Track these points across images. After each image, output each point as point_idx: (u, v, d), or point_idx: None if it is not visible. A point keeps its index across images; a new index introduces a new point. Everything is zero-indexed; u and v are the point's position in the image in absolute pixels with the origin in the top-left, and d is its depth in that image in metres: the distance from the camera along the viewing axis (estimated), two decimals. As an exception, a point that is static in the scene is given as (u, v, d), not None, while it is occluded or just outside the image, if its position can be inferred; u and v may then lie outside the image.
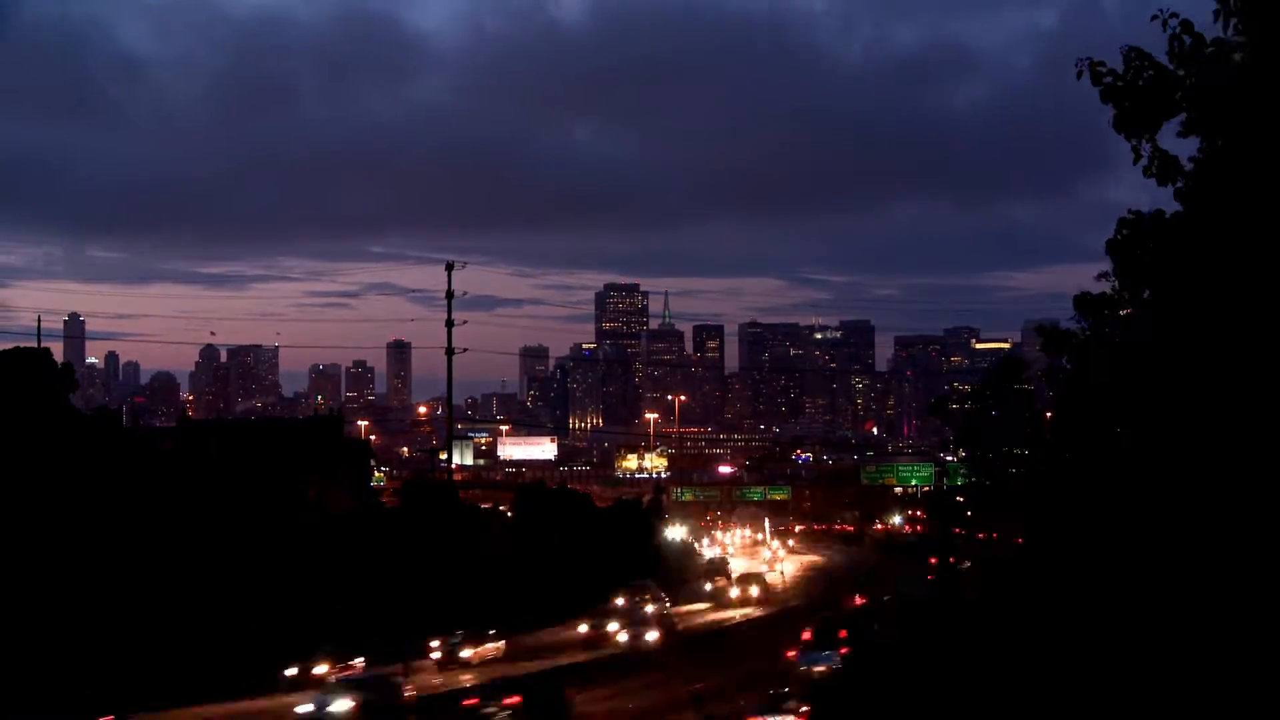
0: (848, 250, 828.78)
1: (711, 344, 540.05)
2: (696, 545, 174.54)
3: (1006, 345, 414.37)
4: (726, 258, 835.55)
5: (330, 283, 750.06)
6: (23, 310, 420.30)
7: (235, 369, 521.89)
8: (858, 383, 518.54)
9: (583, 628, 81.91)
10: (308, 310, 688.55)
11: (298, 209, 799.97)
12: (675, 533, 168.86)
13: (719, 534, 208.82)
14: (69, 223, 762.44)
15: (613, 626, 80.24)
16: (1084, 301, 15.98)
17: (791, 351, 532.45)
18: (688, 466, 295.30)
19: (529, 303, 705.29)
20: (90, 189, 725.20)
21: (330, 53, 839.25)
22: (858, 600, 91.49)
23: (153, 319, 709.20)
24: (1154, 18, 13.24)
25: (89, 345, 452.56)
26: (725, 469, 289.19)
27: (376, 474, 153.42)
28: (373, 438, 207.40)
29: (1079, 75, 13.46)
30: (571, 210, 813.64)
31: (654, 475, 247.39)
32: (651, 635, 77.83)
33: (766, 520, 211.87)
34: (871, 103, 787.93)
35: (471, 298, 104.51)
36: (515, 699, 51.70)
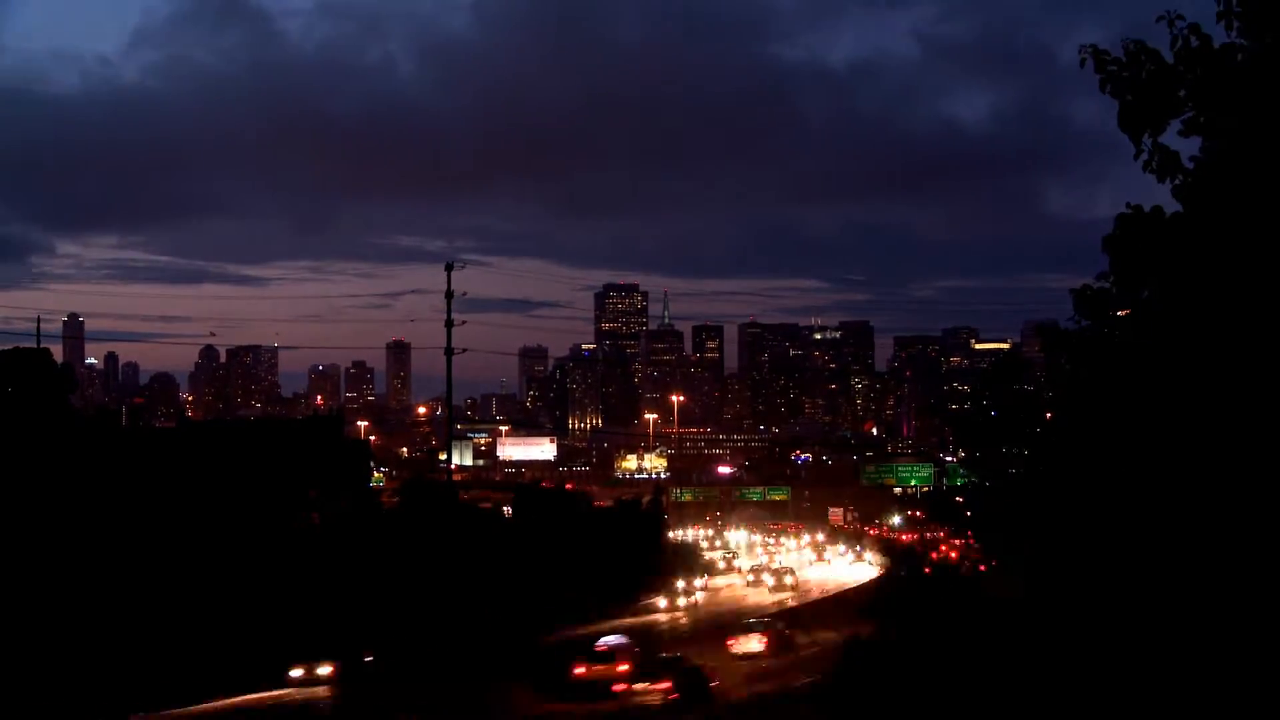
0: (885, 251, 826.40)
1: (711, 344, 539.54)
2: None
3: (1005, 346, 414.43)
4: (761, 258, 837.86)
5: (376, 284, 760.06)
6: (58, 313, 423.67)
7: (234, 370, 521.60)
8: (857, 383, 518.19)
9: None
10: (346, 311, 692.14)
11: (348, 212, 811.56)
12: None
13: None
14: (109, 223, 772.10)
15: None
16: (1083, 297, 15.90)
17: (791, 352, 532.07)
18: (687, 467, 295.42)
19: (564, 304, 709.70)
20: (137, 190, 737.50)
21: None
22: None
23: (189, 321, 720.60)
24: (1160, 18, 13.24)
25: (97, 345, 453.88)
26: (725, 469, 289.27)
27: (376, 474, 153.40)
28: (372, 438, 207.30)
29: (1082, 63, 13.42)
30: (613, 208, 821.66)
31: (653, 476, 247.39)
32: None
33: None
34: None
35: (506, 299, 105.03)
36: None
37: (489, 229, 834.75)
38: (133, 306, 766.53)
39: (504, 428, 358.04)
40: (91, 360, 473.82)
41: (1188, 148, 13.68)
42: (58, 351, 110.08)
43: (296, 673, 66.19)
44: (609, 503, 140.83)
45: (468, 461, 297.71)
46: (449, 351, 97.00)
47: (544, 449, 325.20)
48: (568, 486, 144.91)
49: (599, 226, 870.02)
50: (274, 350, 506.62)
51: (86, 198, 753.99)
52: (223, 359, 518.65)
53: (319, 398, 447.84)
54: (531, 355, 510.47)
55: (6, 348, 77.21)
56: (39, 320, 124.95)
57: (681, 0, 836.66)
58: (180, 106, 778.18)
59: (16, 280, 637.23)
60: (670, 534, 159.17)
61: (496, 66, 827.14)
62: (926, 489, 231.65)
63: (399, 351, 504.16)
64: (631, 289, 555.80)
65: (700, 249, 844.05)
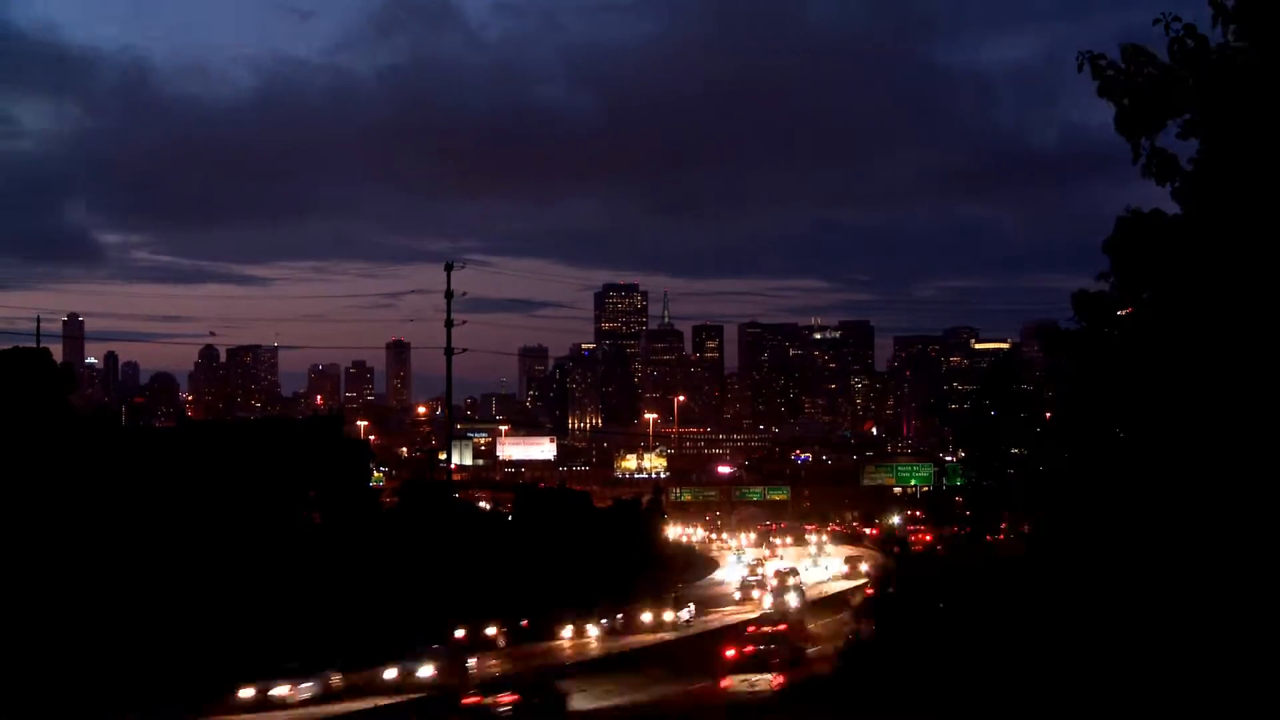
0: (890, 251, 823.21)
1: (711, 344, 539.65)
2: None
3: (1005, 346, 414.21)
4: (771, 258, 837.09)
5: (381, 284, 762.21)
6: (60, 312, 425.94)
7: (234, 369, 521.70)
8: (857, 383, 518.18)
9: None
10: (349, 310, 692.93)
11: (354, 213, 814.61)
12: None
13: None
14: (120, 222, 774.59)
15: None
16: (1082, 300, 15.93)
17: (791, 352, 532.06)
18: (687, 467, 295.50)
19: (567, 304, 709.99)
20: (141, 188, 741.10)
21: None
22: None
23: (192, 321, 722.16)
24: (1156, 21, 13.23)
25: (98, 345, 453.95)
26: (724, 469, 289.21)
27: (376, 474, 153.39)
28: (372, 438, 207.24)
29: (1079, 68, 13.39)
30: (616, 208, 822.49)
31: (653, 475, 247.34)
32: None
33: None
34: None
35: (507, 299, 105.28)
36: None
37: (493, 229, 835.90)
38: (135, 306, 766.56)
39: (504, 427, 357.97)
40: (91, 360, 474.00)
41: (1187, 151, 13.69)
42: (58, 351, 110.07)
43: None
44: (608, 503, 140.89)
45: (468, 461, 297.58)
46: (449, 351, 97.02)
47: (544, 449, 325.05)
48: (549, 486, 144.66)
49: (602, 226, 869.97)
50: (274, 350, 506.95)
51: (106, 197, 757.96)
52: (222, 359, 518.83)
53: (319, 398, 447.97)
54: (531, 355, 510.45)
55: (6, 348, 77.27)
56: (39, 320, 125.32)
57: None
58: (228, 107, 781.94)
59: (21, 280, 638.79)
60: (669, 534, 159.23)
61: (490, 64, 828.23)
62: (926, 489, 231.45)
63: (399, 351, 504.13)
64: (631, 288, 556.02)
65: (702, 248, 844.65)
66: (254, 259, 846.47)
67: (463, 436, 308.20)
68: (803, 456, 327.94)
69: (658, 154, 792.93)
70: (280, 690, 61.24)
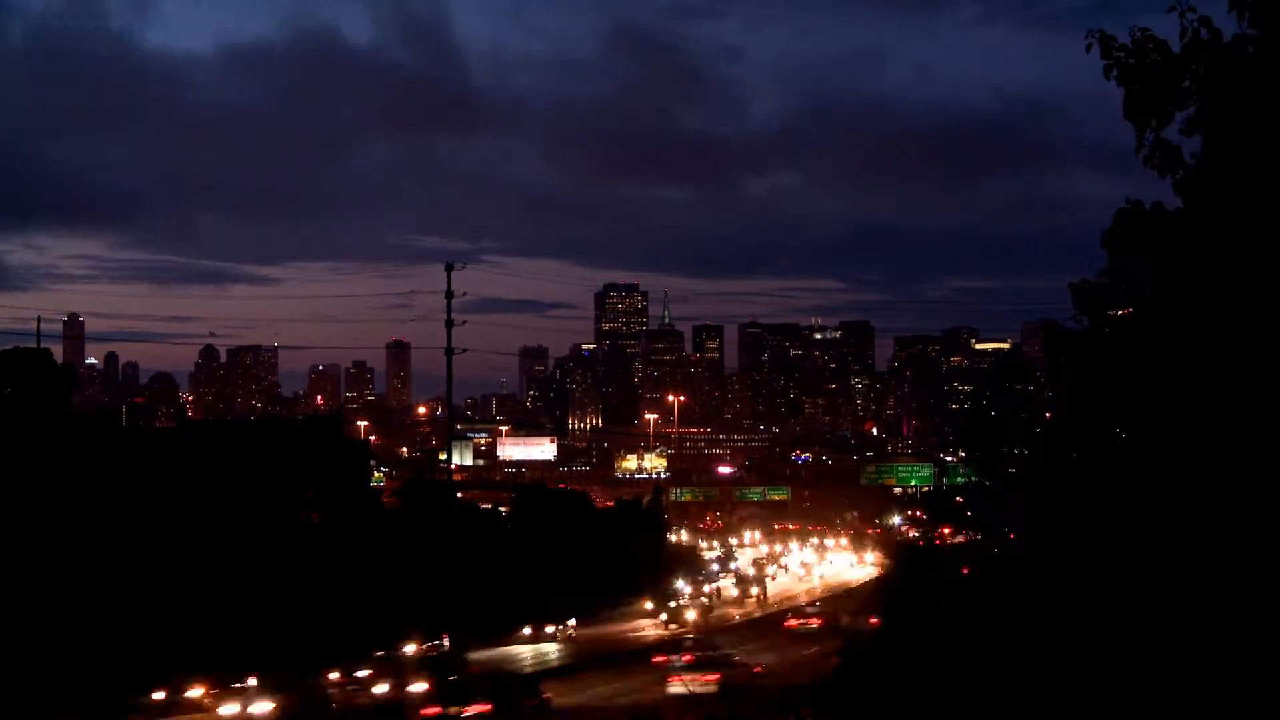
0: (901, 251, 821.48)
1: (711, 344, 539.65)
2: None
3: (1006, 346, 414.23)
4: (770, 258, 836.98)
5: (392, 284, 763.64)
6: (74, 314, 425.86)
7: (234, 369, 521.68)
8: (857, 383, 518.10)
9: None
10: (357, 311, 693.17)
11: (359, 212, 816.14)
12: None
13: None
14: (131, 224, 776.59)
15: None
16: (1082, 292, 15.83)
17: (791, 352, 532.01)
18: (687, 467, 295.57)
19: (573, 305, 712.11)
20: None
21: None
22: None
23: (200, 321, 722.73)
24: (1170, 9, 13.17)
25: (102, 345, 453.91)
26: (725, 469, 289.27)
27: (376, 474, 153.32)
28: (372, 438, 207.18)
29: (1088, 48, 13.32)
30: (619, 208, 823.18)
31: (653, 476, 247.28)
32: None
33: None
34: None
35: (507, 300, 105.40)
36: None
37: (501, 229, 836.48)
38: (143, 307, 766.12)
39: (504, 428, 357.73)
40: (92, 360, 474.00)
41: (1190, 144, 13.61)
42: (58, 352, 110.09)
43: None
44: (611, 503, 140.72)
45: (468, 461, 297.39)
46: (449, 351, 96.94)
47: (544, 449, 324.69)
48: (562, 485, 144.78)
49: (604, 226, 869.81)
50: (274, 350, 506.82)
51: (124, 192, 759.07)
52: (223, 359, 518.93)
53: (319, 398, 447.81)
54: (532, 355, 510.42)
55: (7, 348, 77.24)
56: (39, 320, 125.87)
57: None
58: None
59: (31, 280, 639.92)
60: (669, 534, 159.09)
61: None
62: (926, 489, 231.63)
63: (399, 351, 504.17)
64: (631, 289, 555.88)
65: (705, 249, 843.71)
66: (268, 259, 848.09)
67: (463, 437, 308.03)
68: (803, 457, 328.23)
69: (656, 156, 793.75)
70: None
